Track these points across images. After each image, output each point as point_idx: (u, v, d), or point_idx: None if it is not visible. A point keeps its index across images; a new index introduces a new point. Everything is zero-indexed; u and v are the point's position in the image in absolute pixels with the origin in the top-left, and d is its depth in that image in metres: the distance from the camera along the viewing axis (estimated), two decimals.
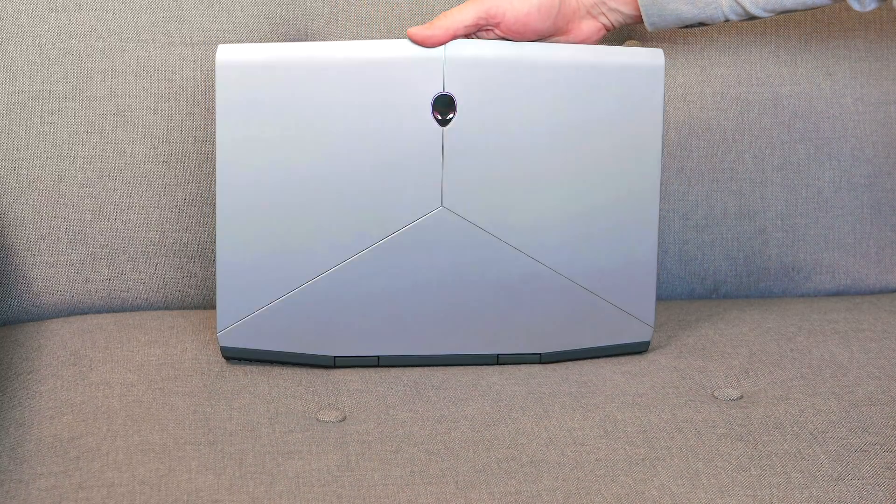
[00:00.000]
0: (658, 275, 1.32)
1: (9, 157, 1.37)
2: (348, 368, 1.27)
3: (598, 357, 1.31)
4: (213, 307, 1.42)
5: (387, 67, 1.23)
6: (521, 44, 1.25)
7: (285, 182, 1.23)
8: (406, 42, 1.23)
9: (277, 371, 1.27)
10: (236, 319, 1.26)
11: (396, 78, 1.23)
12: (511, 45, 1.25)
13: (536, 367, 1.29)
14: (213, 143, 1.39)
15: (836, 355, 1.32)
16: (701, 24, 1.30)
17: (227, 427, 1.17)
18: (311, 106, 1.22)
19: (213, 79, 1.38)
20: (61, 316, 1.40)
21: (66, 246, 1.39)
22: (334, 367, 1.27)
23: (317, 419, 1.19)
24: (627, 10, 1.30)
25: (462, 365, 1.28)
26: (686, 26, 1.31)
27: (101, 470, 1.12)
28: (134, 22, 1.38)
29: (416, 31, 1.22)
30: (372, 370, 1.28)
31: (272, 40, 1.40)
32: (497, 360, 1.29)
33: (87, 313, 1.40)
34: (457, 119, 1.24)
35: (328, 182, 1.23)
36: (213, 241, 1.40)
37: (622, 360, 1.31)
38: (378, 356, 1.27)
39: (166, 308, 1.42)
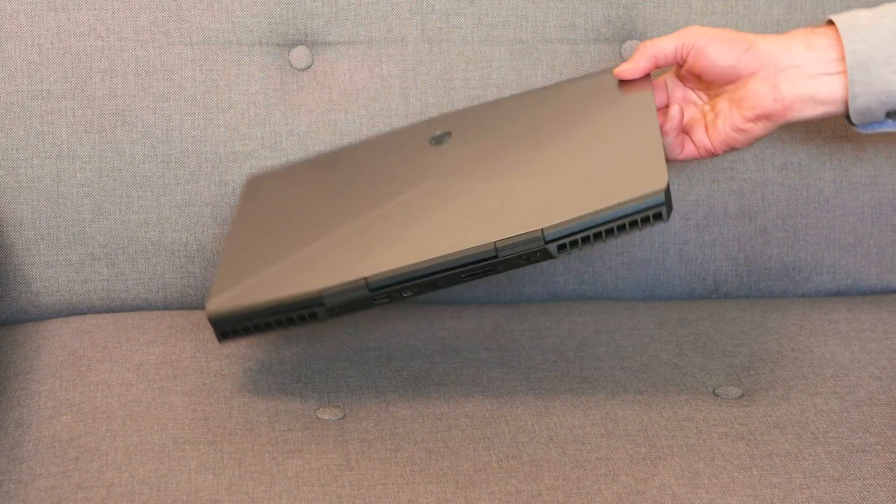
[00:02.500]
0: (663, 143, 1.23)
1: (8, 156, 1.37)
2: (346, 359, 1.27)
3: (612, 229, 1.11)
4: None
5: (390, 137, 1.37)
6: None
7: (295, 210, 1.31)
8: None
9: (277, 368, 1.27)
10: (222, 294, 1.21)
11: (398, 139, 1.35)
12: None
13: (536, 361, 1.29)
14: (212, 143, 1.39)
15: (837, 355, 1.32)
16: None
17: (227, 426, 1.17)
18: (324, 182, 1.33)
19: (212, 79, 1.38)
20: (60, 316, 1.40)
21: (65, 246, 1.39)
22: (322, 303, 1.17)
23: (316, 417, 1.19)
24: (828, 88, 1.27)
25: (462, 272, 1.13)
26: (889, 114, 1.26)
27: (100, 470, 1.12)
28: (133, 21, 1.38)
29: (621, 68, 1.29)
30: (371, 364, 1.27)
31: (271, 40, 1.40)
32: (496, 251, 1.11)
33: (86, 313, 1.40)
34: (451, 141, 1.30)
35: (332, 198, 1.31)
36: (213, 241, 1.40)
37: (623, 356, 1.30)
38: (365, 278, 1.15)
39: (165, 308, 1.42)
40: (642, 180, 1.10)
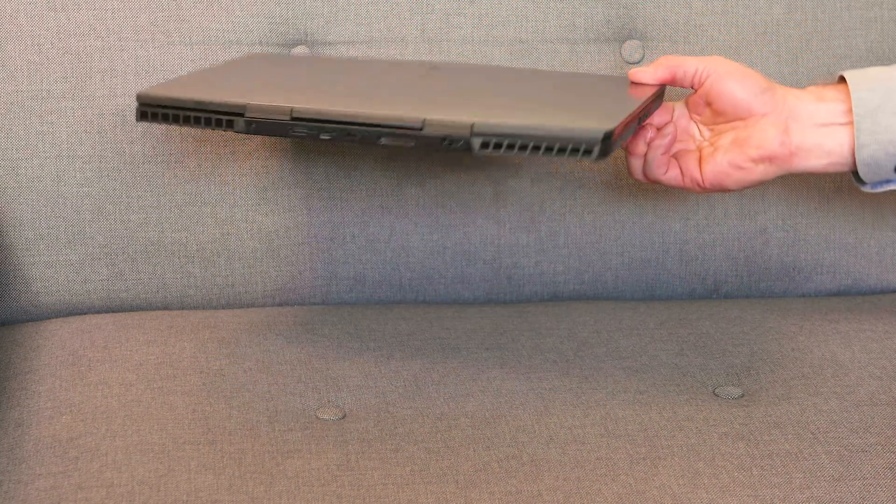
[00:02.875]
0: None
1: (7, 156, 1.37)
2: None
3: (536, 149, 1.11)
4: (213, 307, 1.42)
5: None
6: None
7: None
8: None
9: (277, 368, 1.27)
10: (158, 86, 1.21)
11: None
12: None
13: (537, 361, 1.29)
14: (212, 144, 1.39)
15: (837, 355, 1.32)
16: None
17: (227, 426, 1.17)
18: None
19: None
20: (60, 316, 1.40)
21: (64, 246, 1.39)
22: (242, 116, 1.16)
23: (316, 417, 1.19)
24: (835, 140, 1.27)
25: (381, 128, 1.13)
26: None
27: (100, 470, 1.12)
28: (133, 21, 1.38)
29: (637, 71, 1.29)
30: (371, 364, 1.27)
31: (271, 40, 1.40)
32: (422, 124, 1.12)
33: (85, 313, 1.40)
34: (443, 66, 1.31)
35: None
36: (213, 241, 1.40)
37: (623, 356, 1.30)
38: (291, 107, 1.15)
39: (165, 308, 1.42)
40: (591, 119, 1.12)
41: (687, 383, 1.26)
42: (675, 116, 1.31)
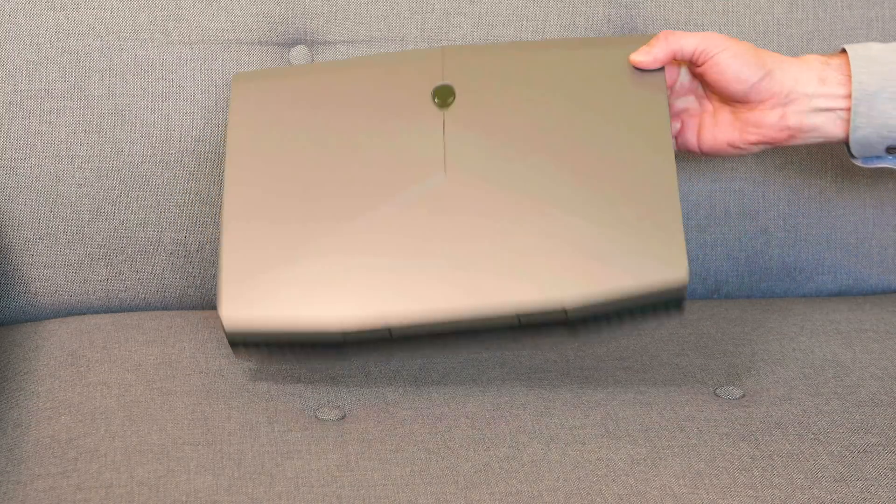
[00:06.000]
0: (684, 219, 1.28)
1: (6, 156, 1.37)
2: (352, 360, 1.25)
3: (633, 315, 1.19)
4: (212, 307, 1.41)
5: (387, 68, 1.27)
6: (518, 42, 1.27)
7: (292, 176, 1.24)
8: (406, 51, 1.27)
9: (276, 369, 1.27)
10: (239, 297, 1.20)
11: (396, 77, 1.26)
12: (508, 43, 1.27)
13: (537, 361, 1.29)
14: (212, 143, 1.38)
15: (838, 355, 1.32)
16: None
17: (226, 427, 1.17)
18: (317, 113, 1.26)
19: (211, 78, 1.38)
20: (59, 316, 1.40)
21: (63, 246, 1.39)
22: (344, 342, 1.20)
23: (316, 417, 1.19)
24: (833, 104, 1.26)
25: (484, 335, 1.21)
26: (889, 149, 1.27)
27: (99, 471, 1.12)
28: (132, 21, 1.37)
29: (638, 59, 1.26)
30: (371, 365, 1.27)
31: (271, 39, 1.39)
32: (518, 321, 1.20)
33: (84, 313, 1.40)
34: (457, 102, 1.26)
35: (330, 160, 1.25)
36: (212, 241, 1.40)
37: (623, 356, 1.30)
38: (389, 328, 1.20)
39: (164, 308, 1.41)
40: (663, 267, 1.18)
41: (688, 383, 1.26)
42: (679, 78, 1.31)
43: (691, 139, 1.30)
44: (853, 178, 1.46)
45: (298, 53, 1.40)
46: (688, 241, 1.45)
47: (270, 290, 1.21)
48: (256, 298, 1.20)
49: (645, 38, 1.28)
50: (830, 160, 1.46)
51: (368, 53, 1.40)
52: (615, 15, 1.42)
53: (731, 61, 1.25)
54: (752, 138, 1.27)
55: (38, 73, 1.37)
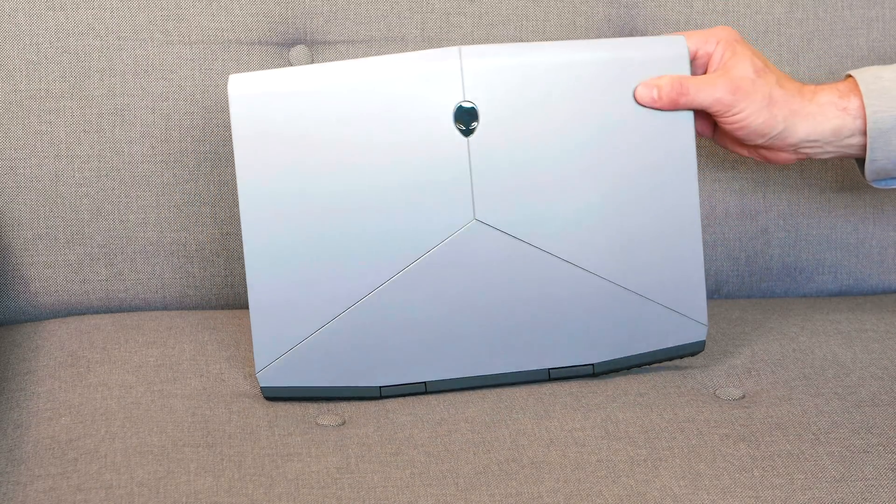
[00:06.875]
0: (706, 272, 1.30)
1: (6, 156, 1.37)
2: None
3: (652, 363, 1.27)
4: (212, 308, 1.41)
5: (402, 82, 1.20)
6: (537, 44, 1.22)
7: (311, 210, 1.20)
8: (417, 55, 1.21)
9: None
10: (274, 357, 1.22)
11: (413, 92, 1.20)
12: (527, 46, 1.22)
13: None
14: (212, 143, 1.38)
15: (838, 356, 1.31)
16: None
17: (226, 429, 1.17)
18: (330, 131, 1.20)
19: (211, 78, 1.38)
20: (59, 316, 1.40)
21: (63, 246, 1.39)
22: (380, 398, 1.23)
23: (316, 423, 1.19)
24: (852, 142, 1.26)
25: (512, 384, 1.25)
26: None
27: (99, 472, 1.12)
28: (132, 20, 1.37)
29: (641, 91, 1.22)
30: None
31: (271, 39, 1.39)
32: (549, 375, 1.25)
33: (84, 314, 1.40)
34: (480, 128, 1.21)
35: (355, 206, 1.20)
36: (212, 241, 1.40)
37: None
38: (425, 382, 1.24)
39: (164, 308, 1.41)
40: (685, 325, 1.26)
41: (688, 384, 1.26)
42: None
43: (706, 128, 1.30)
44: (853, 177, 1.46)
45: (298, 53, 1.40)
46: None
47: (305, 353, 1.22)
48: (291, 361, 1.22)
49: (667, 43, 1.23)
50: (831, 160, 1.45)
51: (368, 54, 1.40)
52: (615, 15, 1.42)
53: (748, 122, 1.23)
54: (763, 160, 1.29)
55: (38, 73, 1.37)
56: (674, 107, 1.22)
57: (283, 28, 1.40)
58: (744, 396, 1.24)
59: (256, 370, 1.22)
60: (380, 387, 1.23)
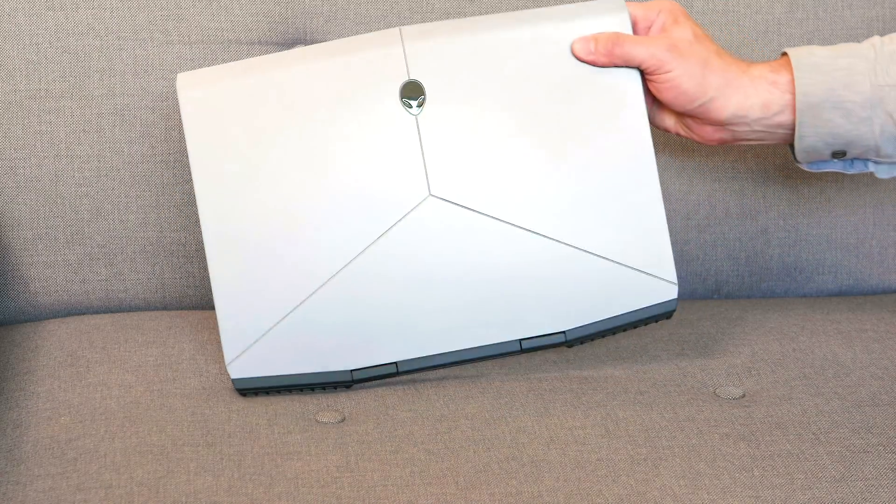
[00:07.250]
0: (670, 230, 1.30)
1: (6, 156, 1.37)
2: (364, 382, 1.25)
3: (626, 329, 1.26)
4: (212, 308, 1.41)
5: (348, 66, 1.22)
6: (478, 18, 1.24)
7: (268, 199, 1.21)
8: (361, 38, 1.23)
9: None
10: (243, 348, 1.22)
11: (359, 75, 1.22)
12: (468, 20, 1.24)
13: (536, 361, 1.28)
14: None
15: (838, 355, 1.31)
16: (844, 153, 1.26)
17: (226, 428, 1.17)
18: (280, 120, 1.22)
19: None
20: (58, 316, 1.40)
21: (63, 246, 1.39)
22: (352, 381, 1.24)
23: (315, 420, 1.19)
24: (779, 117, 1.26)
25: (485, 358, 1.25)
26: (834, 154, 1.26)
27: (98, 471, 1.12)
28: (132, 20, 1.37)
29: (577, 47, 1.23)
30: None
31: (270, 39, 1.39)
32: (520, 346, 1.25)
33: (84, 314, 1.40)
34: (427, 105, 1.23)
35: (311, 191, 1.22)
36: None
37: (623, 356, 1.30)
38: (396, 363, 1.24)
39: (164, 308, 1.41)
40: (655, 286, 1.25)
41: (688, 384, 1.26)
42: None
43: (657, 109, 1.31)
44: (853, 177, 1.46)
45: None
46: (688, 242, 1.45)
47: (274, 341, 1.22)
48: (261, 351, 1.22)
49: (607, 5, 1.25)
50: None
51: None
52: None
53: (680, 81, 1.24)
54: (689, 135, 1.29)
55: (38, 73, 1.37)
56: (610, 59, 1.23)
57: (283, 28, 1.40)
58: (744, 396, 1.24)
59: (226, 362, 1.22)
60: (351, 370, 1.23)
